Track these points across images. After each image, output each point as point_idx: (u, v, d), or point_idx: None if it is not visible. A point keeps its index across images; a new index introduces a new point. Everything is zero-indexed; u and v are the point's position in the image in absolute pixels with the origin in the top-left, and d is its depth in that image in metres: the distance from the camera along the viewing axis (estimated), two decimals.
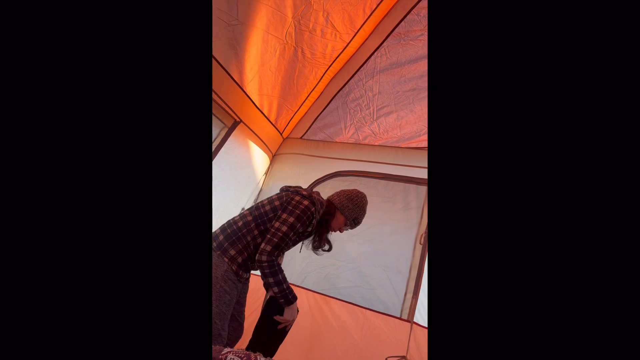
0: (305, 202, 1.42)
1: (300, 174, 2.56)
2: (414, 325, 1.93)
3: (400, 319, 1.99)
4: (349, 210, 1.52)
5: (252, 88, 2.16)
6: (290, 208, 1.41)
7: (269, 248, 1.36)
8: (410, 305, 2.00)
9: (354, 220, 1.54)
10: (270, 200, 1.49)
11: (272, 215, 1.43)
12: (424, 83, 2.28)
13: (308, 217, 1.42)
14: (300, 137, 2.69)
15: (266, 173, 2.67)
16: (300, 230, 1.43)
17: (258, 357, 1.02)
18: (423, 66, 2.27)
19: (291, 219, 1.39)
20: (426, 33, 2.22)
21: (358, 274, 2.18)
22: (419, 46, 2.25)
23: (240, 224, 1.43)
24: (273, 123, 2.52)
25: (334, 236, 1.62)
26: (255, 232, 1.41)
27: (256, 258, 1.37)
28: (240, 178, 2.40)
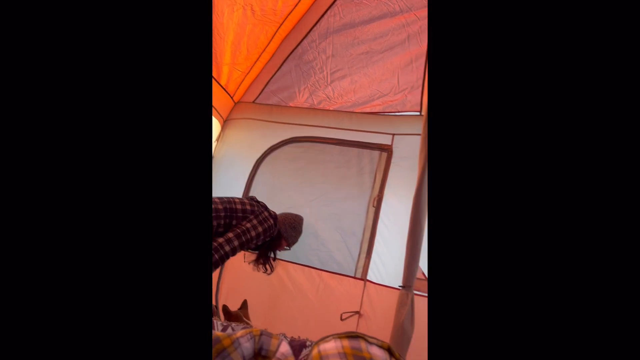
0: (271, 221, 1.71)
1: (254, 140, 2.48)
2: (367, 283, 2.05)
3: (354, 277, 2.10)
4: (292, 238, 1.86)
5: None
6: (261, 218, 1.67)
7: (236, 243, 1.55)
8: (364, 265, 2.10)
9: (292, 244, 1.90)
10: (242, 201, 1.70)
11: (241, 214, 1.64)
12: (377, 45, 2.24)
13: (270, 234, 1.70)
14: (253, 102, 2.57)
15: (218, 139, 2.55)
16: (260, 241, 1.68)
17: (232, 325, 1.12)
18: (376, 27, 2.21)
19: (260, 228, 1.64)
20: None
21: (315, 238, 2.23)
22: (373, 6, 2.18)
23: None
24: (223, 86, 2.38)
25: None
26: (222, 221, 1.58)
27: (220, 241, 1.51)
28: None
